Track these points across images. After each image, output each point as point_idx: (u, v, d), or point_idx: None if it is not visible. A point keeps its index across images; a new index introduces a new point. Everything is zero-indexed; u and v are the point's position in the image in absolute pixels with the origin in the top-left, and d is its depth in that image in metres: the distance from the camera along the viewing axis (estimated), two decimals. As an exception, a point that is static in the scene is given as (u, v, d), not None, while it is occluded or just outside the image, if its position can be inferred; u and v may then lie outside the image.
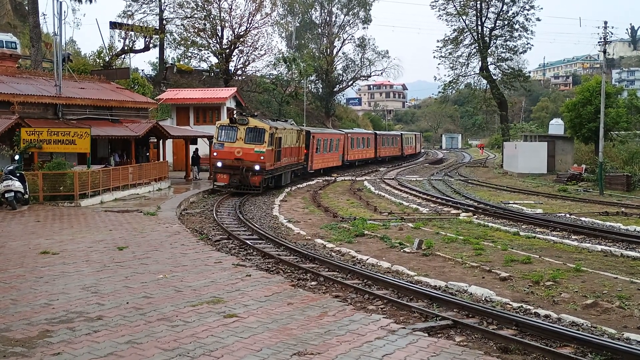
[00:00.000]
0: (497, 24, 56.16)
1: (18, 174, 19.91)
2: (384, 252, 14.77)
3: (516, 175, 42.06)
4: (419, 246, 14.97)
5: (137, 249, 13.33)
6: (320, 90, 75.72)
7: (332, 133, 44.42)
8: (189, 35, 51.96)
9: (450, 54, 56.86)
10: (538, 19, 72.95)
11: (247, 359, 6.76)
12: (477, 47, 55.93)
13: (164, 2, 51.43)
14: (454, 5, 55.78)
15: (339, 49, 78.42)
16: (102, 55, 45.55)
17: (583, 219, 21.02)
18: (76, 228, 16.24)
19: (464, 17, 56.00)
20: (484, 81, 57.53)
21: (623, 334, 8.55)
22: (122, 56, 47.76)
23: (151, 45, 50.10)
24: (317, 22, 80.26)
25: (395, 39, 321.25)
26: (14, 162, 21.14)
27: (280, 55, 61.48)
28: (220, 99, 40.83)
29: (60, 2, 26.70)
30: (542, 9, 69.50)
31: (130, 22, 48.92)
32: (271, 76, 60.33)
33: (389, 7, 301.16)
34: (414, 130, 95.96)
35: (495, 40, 56.62)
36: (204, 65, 56.70)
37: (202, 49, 53.40)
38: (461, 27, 56.38)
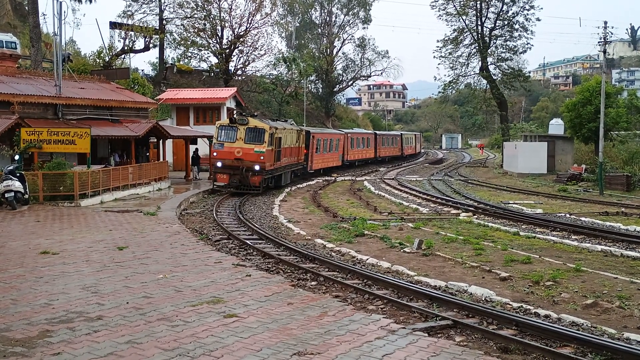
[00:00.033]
0: (497, 24, 56.18)
1: (18, 174, 19.91)
2: (384, 252, 14.77)
3: (516, 175, 42.06)
4: (419, 246, 14.97)
5: (137, 249, 13.33)
6: (320, 90, 75.71)
7: (332, 133, 44.42)
8: (189, 35, 51.97)
9: (450, 54, 56.91)
10: (538, 19, 73.12)
11: (247, 359, 6.76)
12: (477, 47, 55.93)
13: (164, 2, 51.45)
14: (454, 5, 55.83)
15: (339, 49, 78.50)
16: (102, 55, 45.56)
17: (583, 219, 21.03)
18: (76, 228, 16.24)
19: (464, 17, 56.06)
20: (484, 81, 57.53)
21: (623, 334, 8.55)
22: (122, 56, 47.78)
23: (151, 45, 50.11)
24: (317, 22, 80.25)
25: (395, 39, 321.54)
26: (14, 162, 21.14)
27: (280, 55, 61.51)
28: (220, 99, 40.83)
29: (60, 2, 26.73)
30: (542, 9, 69.55)
31: (130, 22, 48.95)
32: (271, 76, 60.35)
33: (389, 7, 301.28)
34: (414, 130, 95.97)
35: (495, 40, 56.64)
36: (204, 65, 56.77)
37: (202, 49, 53.43)
38: (461, 27, 56.41)
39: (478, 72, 57.30)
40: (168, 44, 53.63)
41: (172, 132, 31.44)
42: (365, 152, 52.05)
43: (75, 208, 20.46)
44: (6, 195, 19.40)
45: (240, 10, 78.05)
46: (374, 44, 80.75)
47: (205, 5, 51.69)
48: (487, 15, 56.01)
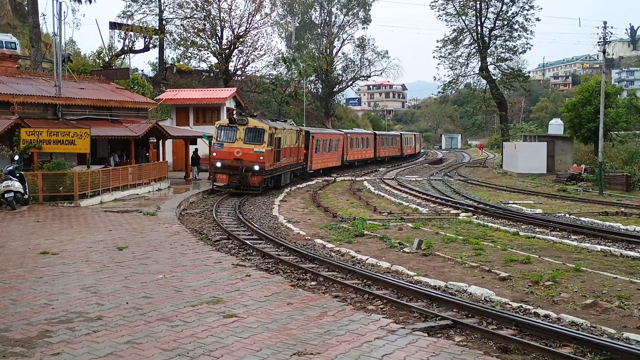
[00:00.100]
0: (496, 24, 56.22)
1: (18, 174, 19.91)
2: (383, 252, 14.77)
3: (516, 175, 42.07)
4: (418, 246, 14.97)
5: (136, 249, 13.33)
6: (320, 90, 75.71)
7: (331, 133, 44.42)
8: (189, 35, 51.97)
9: (449, 54, 56.97)
10: (537, 19, 73.21)
11: (246, 359, 6.77)
12: (476, 47, 55.95)
13: (164, 3, 51.50)
14: (454, 6, 55.88)
15: (339, 49, 78.50)
16: (101, 55, 45.58)
17: (582, 218, 21.03)
18: (76, 228, 16.24)
19: (464, 17, 56.10)
20: (484, 81, 57.57)
21: (622, 334, 8.55)
22: (122, 56, 47.82)
23: (151, 45, 50.14)
24: (317, 22, 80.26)
25: (395, 39, 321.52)
26: (14, 163, 21.13)
27: (280, 56, 61.54)
28: (219, 99, 40.84)
29: (60, 3, 26.76)
30: (541, 9, 69.65)
31: (129, 22, 48.98)
32: (271, 76, 60.37)
33: (389, 7, 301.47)
34: (413, 131, 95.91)
35: (494, 41, 56.67)
36: (204, 66, 56.81)
37: (202, 49, 53.44)
38: (461, 27, 56.46)
39: (478, 72, 57.34)
40: (168, 44, 53.72)
41: (172, 132, 31.44)
42: (365, 152, 52.05)
43: (75, 208, 20.46)
44: (6, 195, 19.39)
45: (240, 10, 77.74)
46: (373, 44, 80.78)
47: (205, 6, 51.70)
48: (486, 15, 56.12)
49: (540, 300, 10.55)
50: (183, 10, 51.90)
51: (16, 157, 21.44)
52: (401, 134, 69.08)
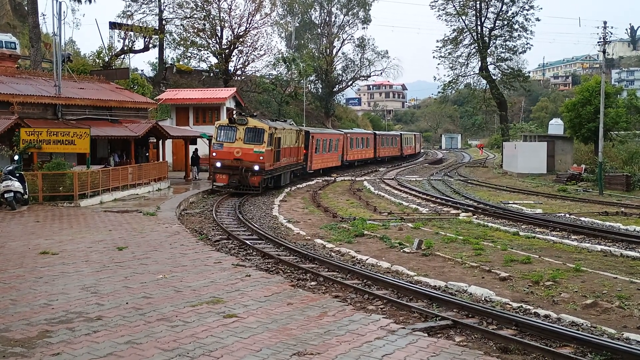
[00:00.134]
0: (496, 24, 56.19)
1: (17, 174, 19.90)
2: (383, 252, 14.76)
3: (516, 175, 42.07)
4: (418, 246, 14.96)
5: (136, 249, 13.32)
6: (320, 90, 75.71)
7: (331, 133, 44.43)
8: (189, 35, 51.98)
9: (449, 54, 56.93)
10: (537, 19, 73.22)
11: (246, 359, 6.76)
12: (476, 47, 55.92)
13: (164, 2, 51.51)
14: (454, 5, 55.85)
15: (339, 49, 78.49)
16: (101, 55, 45.58)
17: (583, 219, 21.03)
18: (76, 228, 16.23)
19: (464, 17, 56.07)
20: (484, 81, 57.54)
21: (623, 334, 8.55)
22: (122, 56, 47.83)
23: (151, 45, 50.15)
24: (317, 22, 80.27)
25: (395, 39, 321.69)
26: (14, 163, 21.12)
27: (280, 56, 61.54)
28: (219, 99, 40.84)
29: (60, 3, 26.73)
30: (541, 9, 69.57)
31: (129, 22, 49.00)
32: (271, 76, 60.37)
33: (389, 7, 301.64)
34: (413, 131, 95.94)
35: (494, 40, 56.64)
36: (204, 66, 56.81)
37: (202, 49, 53.44)
38: (461, 27, 56.43)
39: (478, 72, 57.32)
40: (168, 44, 53.73)
41: (172, 132, 31.44)
42: (365, 152, 52.06)
43: (74, 208, 20.45)
44: (6, 195, 19.39)
45: (240, 10, 77.70)
46: (373, 44, 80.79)
47: (205, 6, 51.72)
48: (486, 15, 56.09)
49: (541, 300, 10.54)
50: (183, 10, 51.97)
51: (16, 157, 21.44)
52: (401, 134, 69.09)
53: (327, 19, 79.15)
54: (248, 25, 53.12)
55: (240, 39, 52.95)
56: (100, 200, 22.19)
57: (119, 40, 47.39)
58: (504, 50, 56.88)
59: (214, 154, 26.85)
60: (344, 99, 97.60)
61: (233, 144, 26.37)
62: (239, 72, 56.19)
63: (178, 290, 9.83)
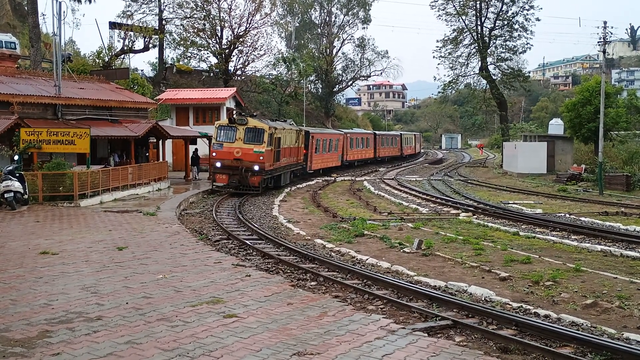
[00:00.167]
0: (496, 24, 56.18)
1: (17, 174, 19.90)
2: (383, 252, 14.76)
3: (516, 175, 42.07)
4: (418, 246, 14.96)
5: (136, 249, 13.32)
6: (320, 90, 75.70)
7: (331, 133, 44.43)
8: (189, 35, 51.98)
9: (449, 54, 56.92)
10: (538, 19, 73.13)
11: (246, 359, 6.76)
12: (476, 47, 55.93)
13: (164, 2, 51.52)
14: (454, 5, 55.84)
15: (339, 49, 78.48)
16: (101, 55, 45.58)
17: (583, 219, 21.03)
18: (76, 228, 16.23)
19: (464, 17, 56.06)
20: (484, 81, 57.54)
21: (623, 334, 8.55)
22: (122, 56, 47.82)
23: (150, 45, 50.15)
24: (317, 22, 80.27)
25: (395, 39, 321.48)
26: (14, 163, 21.12)
27: (280, 56, 61.53)
28: (219, 99, 40.83)
29: (60, 2, 26.73)
30: (541, 9, 69.46)
31: (129, 22, 49.00)
32: (271, 76, 60.35)
33: (389, 7, 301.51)
34: (413, 131, 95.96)
35: (494, 40, 56.63)
36: (204, 66, 56.80)
37: (202, 49, 53.43)
38: (461, 27, 56.42)
39: (478, 72, 57.31)
40: (167, 44, 53.73)
41: (172, 132, 31.44)
42: (365, 152, 52.06)
43: (74, 208, 20.45)
44: (6, 195, 19.38)
45: (240, 10, 77.76)
46: (373, 44, 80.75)
47: (205, 6, 51.71)
48: (486, 15, 56.08)
49: (541, 300, 10.54)
50: (183, 10, 51.97)
51: (16, 157, 21.44)
52: (401, 134, 69.09)
53: (327, 19, 79.17)
54: (248, 25, 53.17)
55: (240, 39, 52.95)
56: (100, 200, 22.20)
57: (118, 40, 47.47)
58: (504, 50, 56.94)
59: (214, 154, 26.85)
60: (344, 99, 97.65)
61: (233, 144, 26.37)
62: (239, 72, 56.20)
63: (178, 290, 9.83)
